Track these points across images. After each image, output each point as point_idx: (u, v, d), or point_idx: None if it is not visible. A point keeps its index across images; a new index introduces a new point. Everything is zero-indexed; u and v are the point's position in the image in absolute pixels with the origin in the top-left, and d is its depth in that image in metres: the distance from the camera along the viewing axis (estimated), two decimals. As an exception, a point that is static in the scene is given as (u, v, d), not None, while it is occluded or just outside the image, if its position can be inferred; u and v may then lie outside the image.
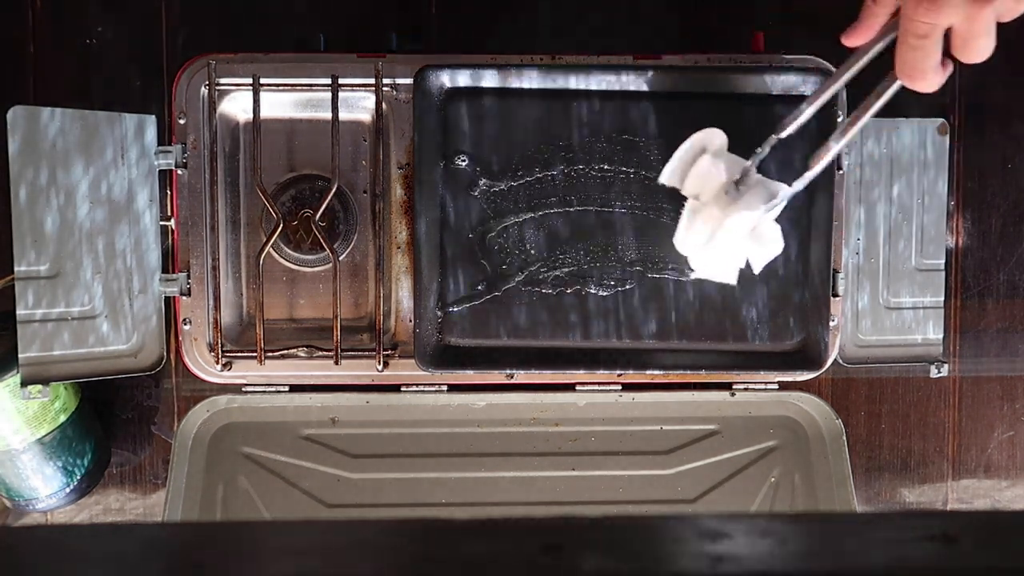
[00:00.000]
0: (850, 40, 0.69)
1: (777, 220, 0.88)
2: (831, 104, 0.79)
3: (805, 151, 0.80)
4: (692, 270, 0.83)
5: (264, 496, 0.94)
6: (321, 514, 0.93)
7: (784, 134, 0.77)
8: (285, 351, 0.90)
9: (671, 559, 0.34)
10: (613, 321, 0.90)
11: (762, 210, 0.76)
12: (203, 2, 0.97)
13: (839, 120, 0.84)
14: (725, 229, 0.76)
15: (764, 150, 0.77)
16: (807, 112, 0.75)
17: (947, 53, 0.64)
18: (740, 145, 0.89)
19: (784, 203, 0.78)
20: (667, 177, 0.81)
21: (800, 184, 0.76)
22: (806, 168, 0.76)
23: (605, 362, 0.90)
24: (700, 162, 0.78)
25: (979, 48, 0.62)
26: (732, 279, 0.82)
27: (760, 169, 0.79)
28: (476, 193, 0.89)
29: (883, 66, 0.69)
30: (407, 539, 0.35)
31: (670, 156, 0.89)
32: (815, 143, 0.77)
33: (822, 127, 0.82)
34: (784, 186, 0.77)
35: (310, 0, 0.98)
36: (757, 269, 0.81)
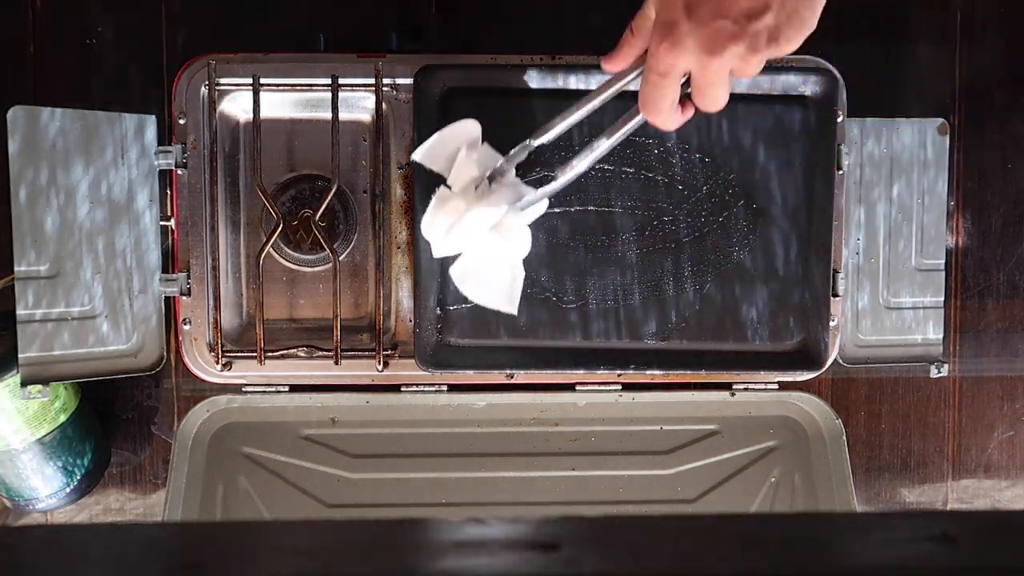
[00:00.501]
0: (608, 66, 0.72)
1: (775, 214, 0.88)
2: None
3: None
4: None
5: (264, 496, 0.94)
6: (321, 514, 0.93)
7: (537, 142, 0.77)
8: (285, 351, 0.90)
9: (671, 559, 0.34)
10: (613, 321, 0.90)
11: (504, 209, 0.77)
12: (203, 2, 0.97)
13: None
14: (464, 222, 0.77)
15: (518, 154, 0.78)
16: (561, 125, 0.76)
17: (690, 97, 0.67)
18: (742, 144, 0.89)
19: (535, 209, 0.78)
20: (419, 156, 0.82)
21: (541, 193, 0.77)
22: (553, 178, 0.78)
23: (605, 362, 0.90)
24: (459, 154, 0.80)
25: (712, 96, 0.66)
26: (470, 294, 0.81)
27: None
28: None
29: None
30: (406, 539, 0.35)
31: (671, 156, 0.89)
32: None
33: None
34: (534, 190, 0.78)
35: (310, 0, 0.98)
36: (512, 263, 0.81)
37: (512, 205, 0.77)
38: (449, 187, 0.80)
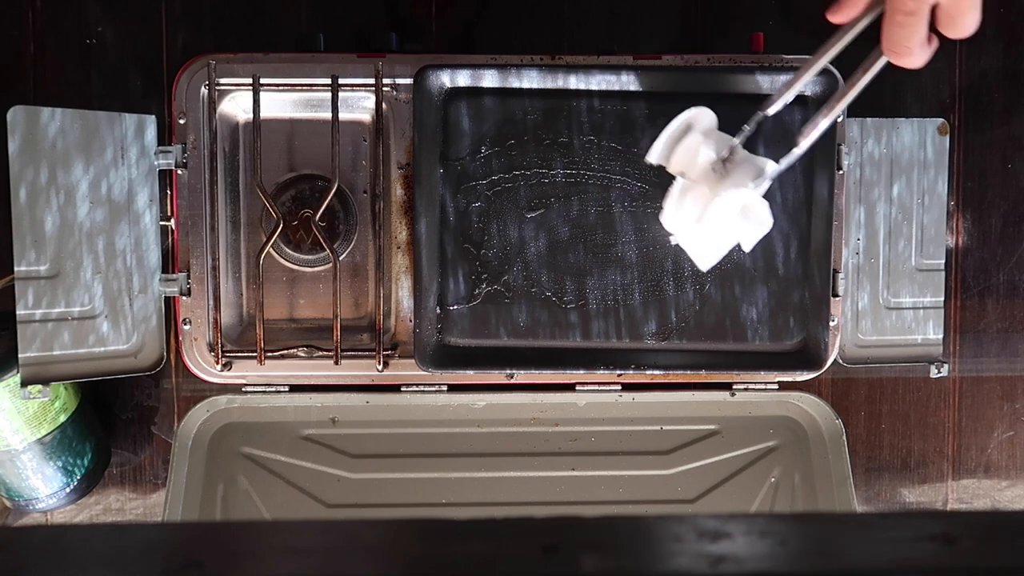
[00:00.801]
0: (836, 17, 0.69)
1: (775, 214, 0.88)
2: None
3: (796, 125, 0.79)
4: (673, 239, 0.82)
5: (264, 496, 0.94)
6: (321, 514, 0.93)
7: (771, 111, 0.76)
8: (285, 351, 0.90)
9: (671, 559, 0.34)
10: (613, 321, 0.90)
11: (751, 187, 0.75)
12: (203, 2, 0.97)
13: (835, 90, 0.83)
14: (715, 207, 0.76)
15: (751, 127, 0.77)
16: (793, 89, 0.75)
17: (932, 28, 0.64)
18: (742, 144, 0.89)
19: (771, 180, 0.77)
20: (655, 156, 0.80)
21: (787, 161, 0.75)
22: (794, 144, 0.76)
23: (605, 362, 0.90)
24: (687, 140, 0.78)
25: (966, 24, 0.63)
26: (705, 265, 0.81)
27: (749, 145, 0.79)
28: (476, 193, 0.89)
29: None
30: (407, 539, 0.35)
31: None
32: (805, 116, 0.76)
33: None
34: (771, 162, 0.76)
35: (310, 0, 0.98)
36: (748, 247, 0.80)
37: (755, 181, 0.75)
38: (682, 175, 0.79)
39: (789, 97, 0.75)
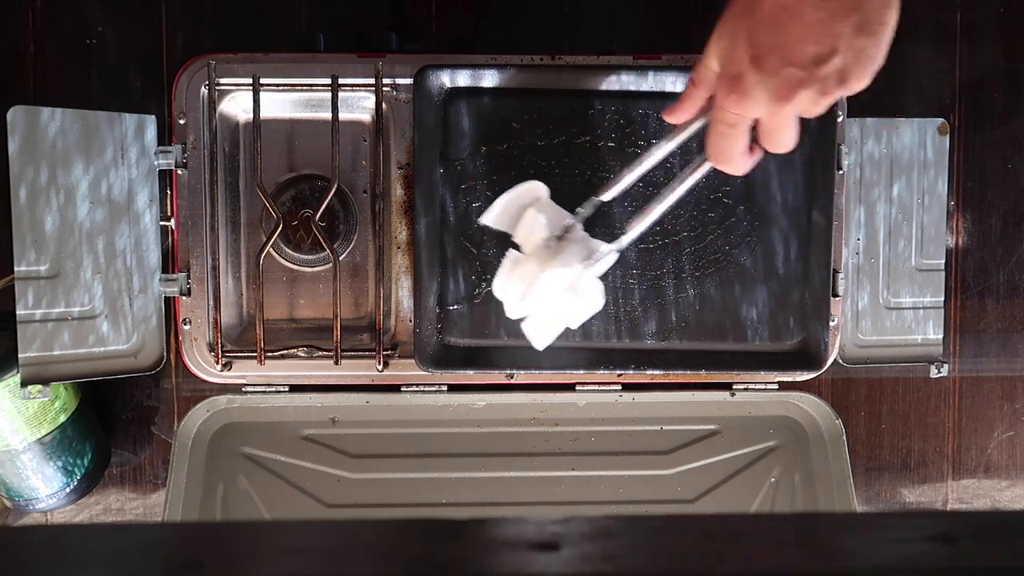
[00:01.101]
0: (671, 118, 0.73)
1: (776, 215, 0.88)
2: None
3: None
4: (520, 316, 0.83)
5: (264, 496, 0.94)
6: (321, 514, 0.94)
7: (606, 197, 0.79)
8: (285, 351, 0.90)
9: (671, 559, 0.34)
10: (613, 321, 0.90)
11: (579, 268, 0.77)
12: (203, 2, 0.97)
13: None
14: (540, 283, 0.78)
15: (587, 210, 0.80)
16: (628, 178, 0.78)
17: (757, 140, 0.68)
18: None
19: (605, 262, 0.79)
20: (488, 219, 0.83)
21: (617, 246, 0.78)
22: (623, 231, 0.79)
23: (605, 362, 0.90)
24: (526, 214, 0.80)
25: (782, 139, 0.66)
26: (540, 344, 0.82)
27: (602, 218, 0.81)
28: (476, 193, 0.89)
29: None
30: (407, 539, 0.35)
31: (671, 157, 0.89)
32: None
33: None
34: (604, 244, 0.79)
35: (310, 0, 0.98)
36: (575, 325, 0.82)
37: (584, 262, 0.77)
38: (518, 247, 0.81)
39: (623, 186, 0.78)
